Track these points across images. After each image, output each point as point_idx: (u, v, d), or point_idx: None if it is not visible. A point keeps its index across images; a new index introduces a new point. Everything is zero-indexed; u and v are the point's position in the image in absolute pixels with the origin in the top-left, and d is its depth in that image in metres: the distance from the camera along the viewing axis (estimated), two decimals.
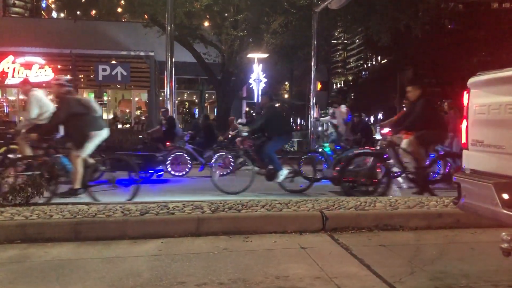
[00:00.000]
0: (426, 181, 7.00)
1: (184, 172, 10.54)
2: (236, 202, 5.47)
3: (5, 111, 23.42)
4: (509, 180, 3.18)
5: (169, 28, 15.26)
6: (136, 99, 25.08)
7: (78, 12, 22.88)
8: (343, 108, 12.60)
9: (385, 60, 76.15)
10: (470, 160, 3.71)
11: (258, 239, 4.63)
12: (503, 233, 3.17)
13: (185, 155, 10.65)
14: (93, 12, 21.73)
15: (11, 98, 22.77)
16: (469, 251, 4.28)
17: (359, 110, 16.10)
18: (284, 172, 7.80)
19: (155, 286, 3.35)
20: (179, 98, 27.85)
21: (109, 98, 26.48)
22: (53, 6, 25.44)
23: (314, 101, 17.75)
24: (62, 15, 25.26)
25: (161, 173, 9.44)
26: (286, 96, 46.87)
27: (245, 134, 8.22)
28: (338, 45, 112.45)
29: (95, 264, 3.83)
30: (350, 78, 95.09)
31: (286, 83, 52.11)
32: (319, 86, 17.69)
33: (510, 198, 3.14)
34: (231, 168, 10.05)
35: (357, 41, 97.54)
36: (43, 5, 26.16)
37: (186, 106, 30.50)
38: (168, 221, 4.76)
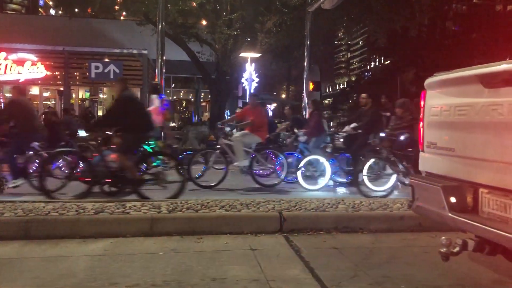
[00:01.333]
0: None
1: None
2: (196, 202, 5.40)
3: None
4: (458, 183, 3.11)
5: (160, 26, 15.20)
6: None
7: (76, 10, 22.92)
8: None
9: (388, 62, 75.94)
10: (425, 162, 3.64)
11: (211, 240, 4.56)
12: (442, 238, 3.10)
13: None
14: (89, 10, 21.68)
15: (8, 95, 22.79)
16: (422, 255, 4.19)
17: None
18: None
19: (86, 287, 3.28)
20: (175, 97, 27.88)
21: (105, 96, 26.54)
22: (50, 3, 25.25)
23: (306, 101, 17.67)
24: (60, 12, 25.25)
25: None
26: (283, 96, 46.74)
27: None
28: (342, 45, 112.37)
29: (34, 263, 3.77)
30: (353, 79, 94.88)
31: (291, 83, 52.13)
32: (311, 86, 17.64)
33: (457, 201, 3.07)
34: None
35: (360, 42, 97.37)
36: (41, 2, 26.12)
37: (184, 104, 30.51)
38: (121, 220, 4.70)
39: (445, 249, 3.06)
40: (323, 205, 5.42)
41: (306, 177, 8.21)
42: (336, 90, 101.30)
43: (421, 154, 3.71)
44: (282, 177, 8.45)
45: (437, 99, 3.48)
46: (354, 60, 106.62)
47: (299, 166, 8.17)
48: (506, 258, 3.27)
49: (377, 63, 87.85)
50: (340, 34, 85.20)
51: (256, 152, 8.41)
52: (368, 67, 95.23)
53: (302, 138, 8.95)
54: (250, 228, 4.84)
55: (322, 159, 8.24)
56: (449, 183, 3.16)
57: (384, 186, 7.49)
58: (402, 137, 7.04)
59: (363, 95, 8.88)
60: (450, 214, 3.04)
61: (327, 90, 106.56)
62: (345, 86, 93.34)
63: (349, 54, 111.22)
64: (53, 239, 4.44)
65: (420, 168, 3.71)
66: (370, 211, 5.24)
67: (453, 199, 3.06)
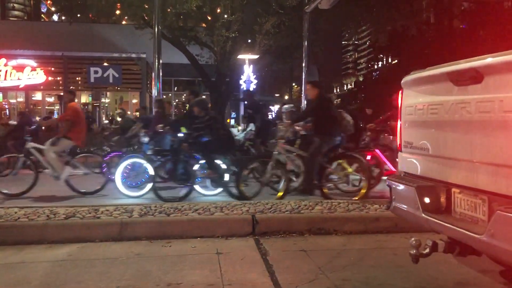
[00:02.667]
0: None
1: None
2: (172, 205, 5.35)
3: (7, 114, 23.69)
4: (433, 183, 3.03)
5: (156, 29, 15.20)
6: (135, 101, 25.16)
7: (79, 15, 23.05)
8: None
9: (395, 61, 75.49)
10: (403, 162, 3.57)
11: (180, 244, 4.50)
12: (412, 239, 3.02)
13: None
14: (90, 15, 21.80)
15: (12, 101, 22.99)
16: (390, 256, 4.10)
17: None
18: None
19: None
20: (177, 100, 27.90)
21: (108, 100, 26.66)
22: (53, 9, 25.47)
23: (305, 102, 17.55)
24: (63, 18, 25.44)
25: None
26: (286, 97, 46.58)
27: None
28: (349, 45, 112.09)
29: None
30: (361, 79, 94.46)
31: (294, 84, 51.97)
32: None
33: (431, 202, 3.00)
34: None
35: (367, 42, 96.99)
36: (43, 9, 26.35)
37: (186, 107, 30.50)
38: (91, 225, 4.66)
39: (414, 251, 2.98)
40: (299, 207, 5.34)
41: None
42: (344, 91, 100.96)
43: (399, 154, 3.64)
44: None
45: (412, 98, 3.41)
46: (362, 60, 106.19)
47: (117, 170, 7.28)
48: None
49: (384, 63, 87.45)
50: (346, 34, 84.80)
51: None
52: (376, 66, 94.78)
53: (145, 139, 8.30)
54: (222, 231, 4.78)
55: (144, 162, 7.37)
56: (423, 183, 3.09)
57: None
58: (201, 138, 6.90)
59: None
60: (423, 215, 2.97)
61: (334, 91, 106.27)
62: (353, 86, 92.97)
63: (356, 54, 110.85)
64: (22, 244, 4.41)
65: (399, 168, 3.65)
66: (346, 212, 5.16)
67: (427, 200, 2.99)
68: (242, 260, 3.98)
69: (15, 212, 4.98)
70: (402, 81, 3.58)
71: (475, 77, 2.64)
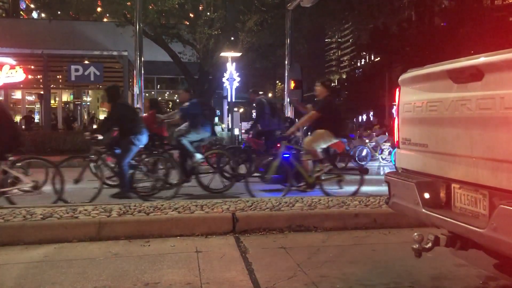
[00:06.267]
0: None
1: None
2: (151, 204, 5.31)
3: None
4: (432, 179, 3.06)
5: (137, 27, 15.08)
6: None
7: (59, 12, 22.72)
8: None
9: (378, 59, 75.99)
10: (401, 159, 3.60)
11: (158, 243, 4.47)
12: (415, 234, 3.04)
13: None
14: (70, 12, 21.52)
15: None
16: (369, 252, 4.13)
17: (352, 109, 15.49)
18: None
19: None
20: (160, 98, 27.71)
21: (90, 98, 26.36)
22: (32, 6, 25.05)
23: (288, 100, 17.60)
24: (43, 15, 25.06)
25: None
26: (270, 94, 46.61)
27: None
28: (332, 43, 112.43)
29: None
30: (344, 76, 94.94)
31: (278, 82, 52.00)
32: (292, 84, 17.52)
33: (431, 197, 3.03)
34: None
35: (350, 40, 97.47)
36: (22, 6, 25.91)
37: (170, 106, 30.32)
38: (68, 225, 4.60)
39: (417, 245, 3.01)
40: (279, 204, 5.35)
41: None
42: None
43: (397, 150, 3.67)
44: None
45: (410, 95, 3.45)
46: (345, 58, 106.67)
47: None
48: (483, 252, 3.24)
49: (367, 60, 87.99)
50: (329, 32, 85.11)
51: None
52: (359, 64, 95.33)
53: None
54: (202, 230, 4.76)
55: None
56: (423, 179, 3.13)
57: None
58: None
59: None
60: (424, 210, 3.00)
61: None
62: (336, 83, 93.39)
63: (339, 52, 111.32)
64: None
65: (397, 164, 3.68)
66: (325, 209, 5.17)
67: (427, 195, 3.03)
68: (221, 258, 3.97)
69: None
70: (399, 79, 3.61)
71: (475, 74, 2.68)
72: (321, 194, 6.69)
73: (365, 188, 7.12)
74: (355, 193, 6.78)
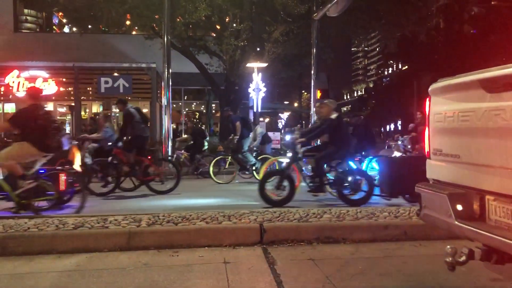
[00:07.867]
0: None
1: None
2: (179, 215, 5.35)
3: None
4: (465, 191, 3.00)
5: (165, 39, 15.35)
6: (145, 110, 25.33)
7: (89, 26, 23.33)
8: None
9: (406, 67, 75.05)
10: (432, 170, 3.53)
11: (187, 253, 4.49)
12: (448, 246, 2.97)
13: None
14: (100, 26, 22.08)
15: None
16: (400, 265, 4.05)
17: (380, 118, 15.38)
18: None
19: None
20: (187, 109, 28.04)
21: (119, 110, 26.84)
22: (64, 20, 25.80)
23: (314, 109, 17.54)
24: (74, 29, 25.78)
25: None
26: (295, 104, 46.57)
27: None
28: (359, 52, 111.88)
29: (0, 281, 3.76)
30: (371, 85, 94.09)
31: (304, 91, 51.96)
32: (318, 94, 17.51)
33: (464, 209, 2.96)
34: None
35: (377, 48, 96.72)
36: (55, 20, 26.71)
37: (197, 116, 30.63)
38: (98, 235, 4.68)
39: (450, 259, 2.94)
40: (307, 215, 5.31)
41: None
42: (354, 97, 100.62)
43: (428, 161, 3.61)
44: None
45: (441, 105, 3.39)
46: (372, 67, 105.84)
47: None
48: None
49: (394, 69, 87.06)
50: (356, 41, 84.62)
51: None
52: (386, 72, 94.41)
53: None
54: (230, 240, 4.77)
55: None
56: (455, 190, 3.06)
57: None
58: None
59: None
60: (456, 222, 2.93)
61: (345, 97, 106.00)
62: (363, 92, 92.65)
63: (366, 60, 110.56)
64: (31, 255, 4.43)
65: (428, 175, 3.61)
66: (354, 220, 5.11)
67: (459, 207, 2.95)
68: (249, 270, 3.97)
69: (25, 223, 5.03)
70: (429, 89, 3.55)
71: (509, 84, 2.63)
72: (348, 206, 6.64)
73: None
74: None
